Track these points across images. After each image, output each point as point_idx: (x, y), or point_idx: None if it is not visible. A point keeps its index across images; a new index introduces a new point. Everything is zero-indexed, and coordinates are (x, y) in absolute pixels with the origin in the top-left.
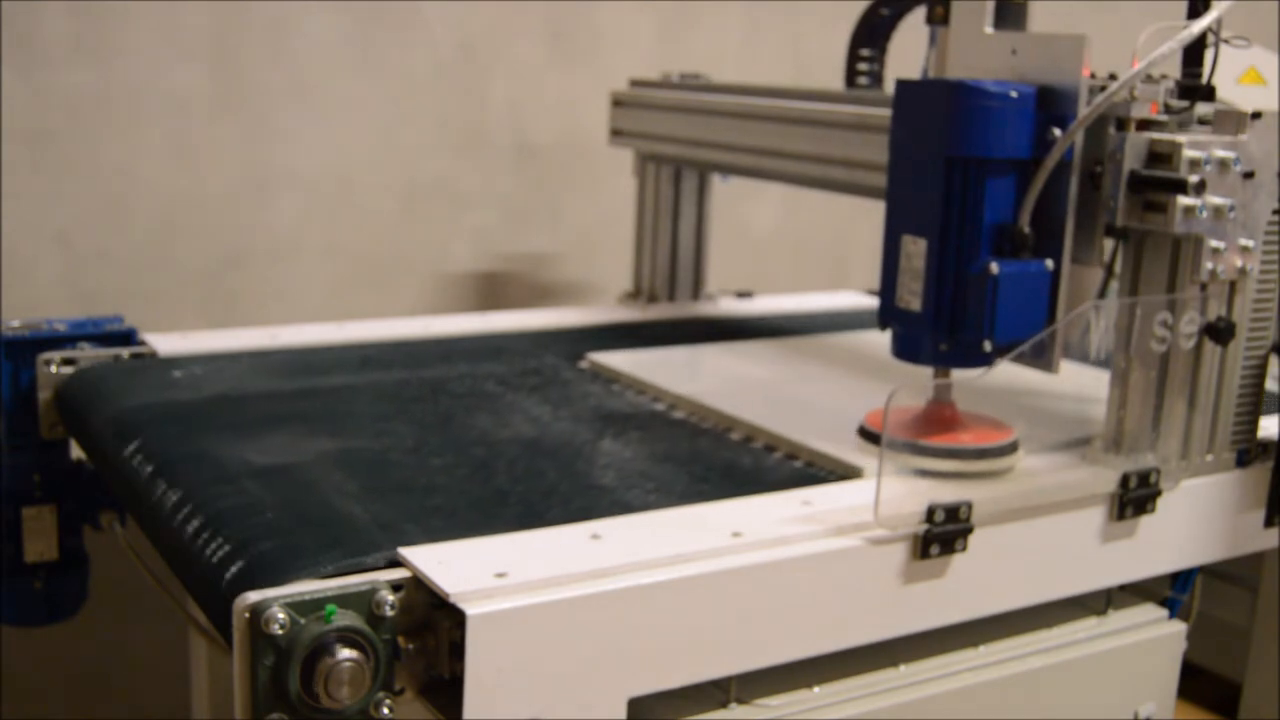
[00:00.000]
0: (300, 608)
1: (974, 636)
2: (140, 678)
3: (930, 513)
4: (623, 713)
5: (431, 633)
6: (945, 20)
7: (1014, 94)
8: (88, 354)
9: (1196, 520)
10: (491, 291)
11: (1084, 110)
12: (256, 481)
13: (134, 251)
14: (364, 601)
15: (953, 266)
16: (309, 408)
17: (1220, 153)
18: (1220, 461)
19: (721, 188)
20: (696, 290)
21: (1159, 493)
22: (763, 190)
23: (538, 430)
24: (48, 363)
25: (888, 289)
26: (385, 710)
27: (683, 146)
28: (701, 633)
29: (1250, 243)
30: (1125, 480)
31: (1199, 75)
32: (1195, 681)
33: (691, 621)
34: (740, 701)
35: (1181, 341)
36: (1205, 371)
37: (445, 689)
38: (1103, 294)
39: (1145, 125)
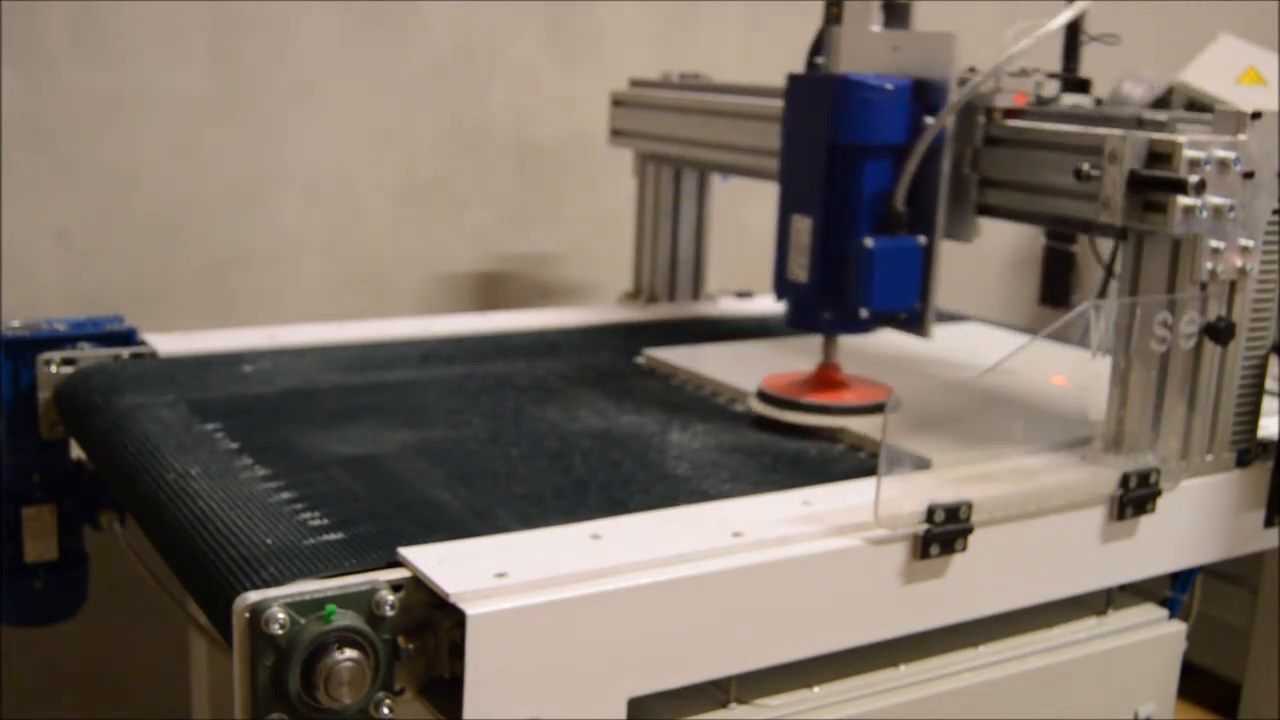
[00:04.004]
0: (300, 608)
1: (974, 636)
2: (140, 678)
3: (930, 513)
4: (623, 713)
5: (431, 633)
6: (839, 19)
7: (890, 86)
8: (88, 354)
9: (1196, 520)
10: (491, 291)
11: (954, 98)
12: (344, 469)
13: (134, 251)
14: (364, 601)
15: (835, 242)
16: (382, 401)
17: (1220, 153)
18: (1220, 461)
19: (721, 188)
20: (696, 290)
21: (1159, 493)
22: (763, 190)
23: (605, 423)
24: (48, 363)
25: (781, 263)
26: (385, 710)
27: (683, 146)
28: (701, 633)
29: (1250, 243)
30: (1125, 480)
31: (1075, 69)
32: (1195, 681)
33: (691, 621)
34: (740, 701)
35: (1181, 341)
36: (1205, 371)
37: (445, 689)
38: (1103, 294)
39: (1012, 114)
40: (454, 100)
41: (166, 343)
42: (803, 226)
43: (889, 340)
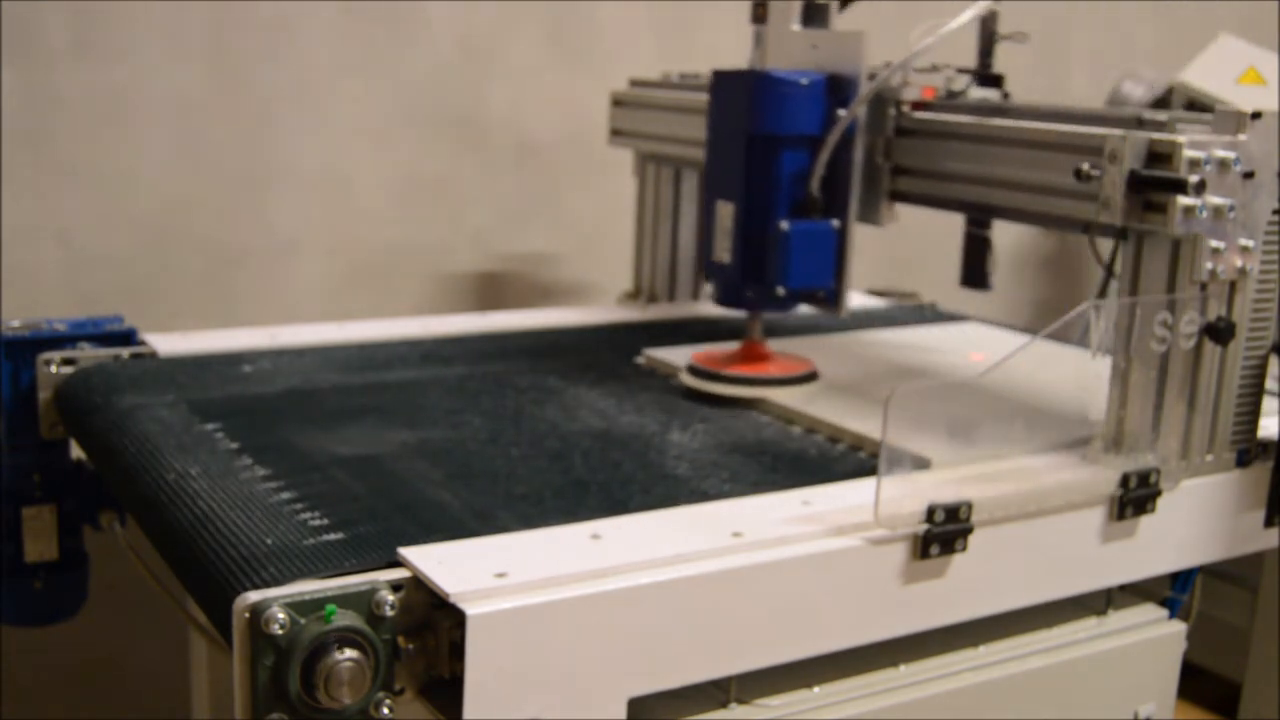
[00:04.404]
0: (300, 608)
1: (974, 636)
2: (140, 678)
3: (930, 513)
4: (623, 713)
5: (431, 633)
6: (764, 19)
7: (804, 81)
8: (88, 354)
9: (1196, 520)
10: (491, 291)
11: (863, 91)
12: (344, 469)
13: (134, 251)
14: (364, 601)
15: (756, 226)
16: (382, 401)
17: (1220, 153)
18: (1220, 461)
19: None
20: (696, 290)
21: (1159, 493)
22: None
23: (605, 423)
24: (48, 363)
25: (707, 246)
26: (385, 710)
27: (683, 146)
28: (701, 633)
29: (1250, 243)
30: (1125, 480)
31: (989, 66)
32: (1195, 681)
33: (691, 621)
34: (740, 701)
35: (1181, 341)
36: (1205, 371)
37: (445, 689)
38: (1103, 294)
39: (920, 106)
40: (454, 100)
41: (166, 343)
42: (726, 211)
43: (889, 341)
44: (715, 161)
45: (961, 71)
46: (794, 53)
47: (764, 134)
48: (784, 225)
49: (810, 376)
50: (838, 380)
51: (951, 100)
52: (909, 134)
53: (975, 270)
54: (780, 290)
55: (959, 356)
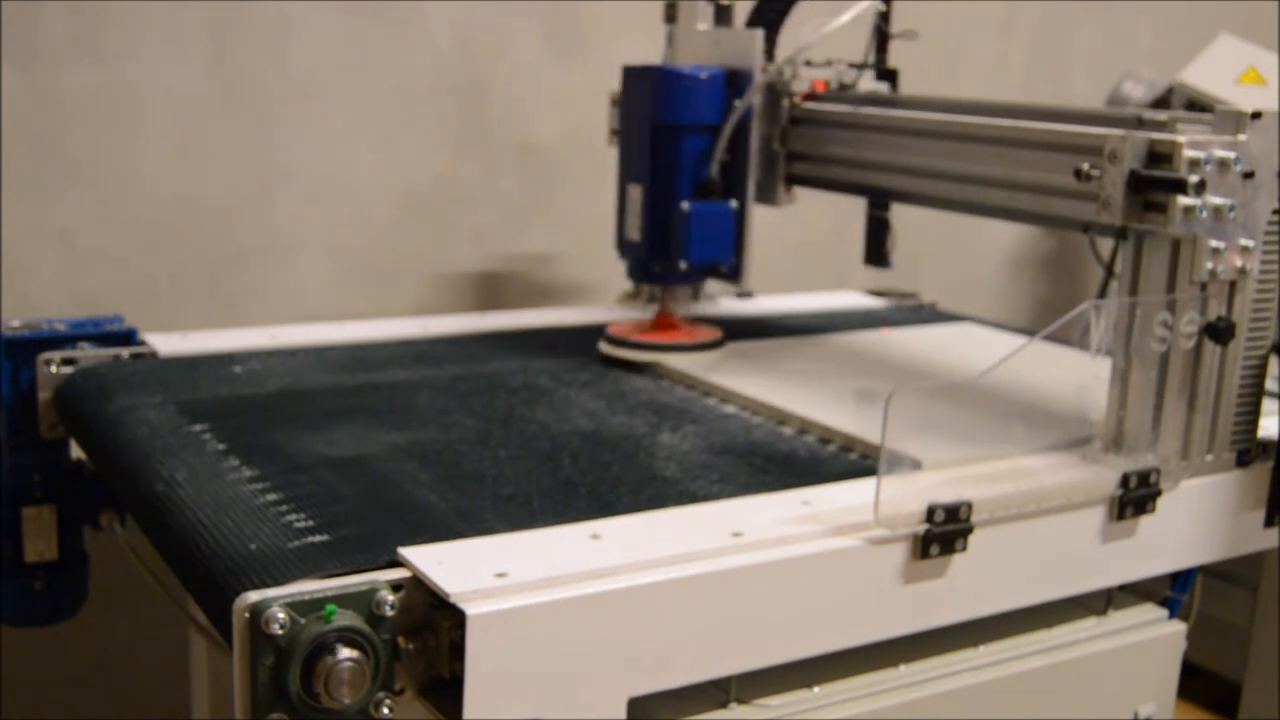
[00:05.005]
0: (300, 608)
1: (974, 636)
2: (140, 678)
3: (930, 513)
4: (623, 713)
5: (431, 633)
6: (674, 19)
7: (704, 75)
8: (88, 354)
9: (1196, 520)
10: (491, 291)
11: (756, 84)
12: (331, 471)
13: (134, 251)
14: (364, 601)
15: (662, 207)
16: (373, 402)
17: (1220, 153)
18: (1220, 461)
19: None
20: (696, 290)
21: (1159, 493)
22: None
23: (595, 424)
24: (48, 363)
25: (620, 225)
26: (385, 710)
27: None
28: (701, 633)
29: (1250, 243)
30: (1125, 480)
31: (884, 61)
32: (1195, 681)
33: (691, 621)
34: (740, 701)
35: (1181, 341)
36: (1205, 371)
37: (445, 689)
38: (1103, 294)
39: (810, 98)
40: (454, 100)
41: (166, 343)
42: (635, 194)
43: (889, 342)
44: (627, 148)
45: (852, 66)
46: (699, 49)
47: (667, 123)
48: (685, 206)
49: (714, 344)
50: (741, 349)
51: (841, 92)
52: (800, 123)
53: (875, 250)
54: (683, 264)
55: (977, 358)
